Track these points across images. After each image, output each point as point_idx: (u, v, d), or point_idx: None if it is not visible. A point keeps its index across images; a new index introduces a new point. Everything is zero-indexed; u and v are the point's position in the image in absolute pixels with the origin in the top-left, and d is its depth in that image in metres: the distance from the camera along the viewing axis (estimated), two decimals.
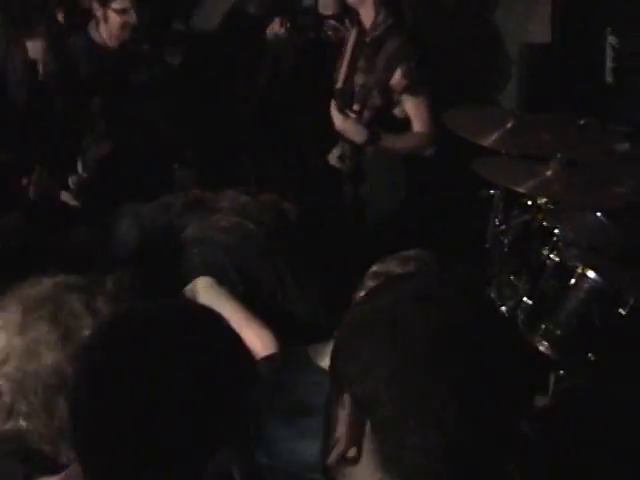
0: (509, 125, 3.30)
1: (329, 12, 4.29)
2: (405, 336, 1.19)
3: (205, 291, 2.54)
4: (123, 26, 3.74)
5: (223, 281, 2.57)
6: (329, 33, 4.31)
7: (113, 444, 1.26)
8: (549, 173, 3.02)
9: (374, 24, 3.73)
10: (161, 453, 1.25)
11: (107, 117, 3.69)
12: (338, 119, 3.65)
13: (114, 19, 3.74)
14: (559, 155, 3.02)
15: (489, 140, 3.23)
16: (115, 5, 3.72)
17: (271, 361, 2.17)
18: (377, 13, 3.70)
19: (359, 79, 3.77)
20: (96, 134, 3.66)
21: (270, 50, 4.12)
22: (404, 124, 3.74)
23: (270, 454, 1.84)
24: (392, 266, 2.06)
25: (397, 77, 3.65)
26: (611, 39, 4.51)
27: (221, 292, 2.54)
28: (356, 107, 3.65)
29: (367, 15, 3.75)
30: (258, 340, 2.42)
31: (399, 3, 3.72)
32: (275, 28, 4.08)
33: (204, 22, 4.56)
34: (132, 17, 3.73)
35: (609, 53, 4.53)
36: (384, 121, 3.70)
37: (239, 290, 2.57)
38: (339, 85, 3.81)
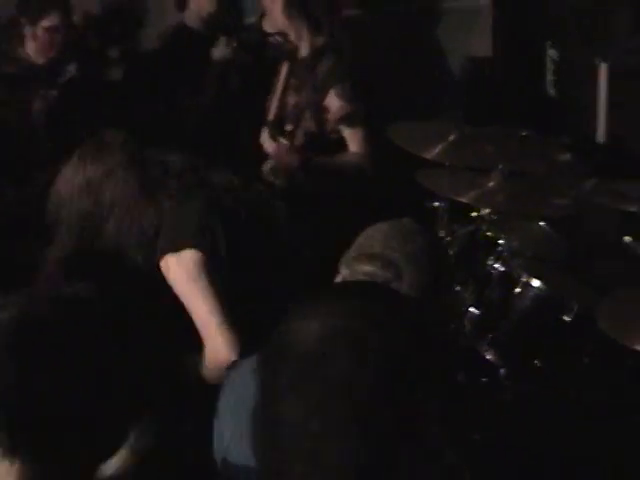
0: (451, 138, 3.34)
1: (274, 29, 4.32)
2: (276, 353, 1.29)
3: (189, 276, 2.44)
4: (51, 44, 3.74)
5: (211, 256, 2.48)
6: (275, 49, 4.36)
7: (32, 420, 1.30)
8: (491, 184, 3.07)
9: (305, 45, 3.75)
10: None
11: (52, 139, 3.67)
12: (270, 146, 3.66)
13: (43, 36, 3.74)
14: (500, 166, 3.07)
15: (432, 153, 3.26)
16: (44, 23, 3.71)
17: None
18: (307, 34, 3.72)
19: (291, 99, 3.78)
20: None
21: (216, 67, 4.12)
22: (339, 145, 3.72)
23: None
24: (360, 265, 2.01)
25: (331, 98, 3.63)
26: (551, 52, 4.59)
27: (205, 282, 2.44)
28: (289, 127, 3.64)
29: (298, 37, 3.76)
30: (224, 343, 2.39)
31: (330, 23, 3.73)
32: (221, 47, 4.09)
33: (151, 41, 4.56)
34: (60, 35, 3.73)
35: (549, 66, 4.61)
36: (317, 143, 3.69)
37: (221, 271, 2.49)
38: (271, 116, 3.81)
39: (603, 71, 4.16)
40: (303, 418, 1.23)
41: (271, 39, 4.26)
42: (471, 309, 2.98)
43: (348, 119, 3.61)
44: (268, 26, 4.30)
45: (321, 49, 3.70)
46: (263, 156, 3.78)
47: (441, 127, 3.50)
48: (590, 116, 4.21)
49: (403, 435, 1.25)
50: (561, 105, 4.57)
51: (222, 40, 4.10)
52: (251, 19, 4.51)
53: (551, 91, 4.62)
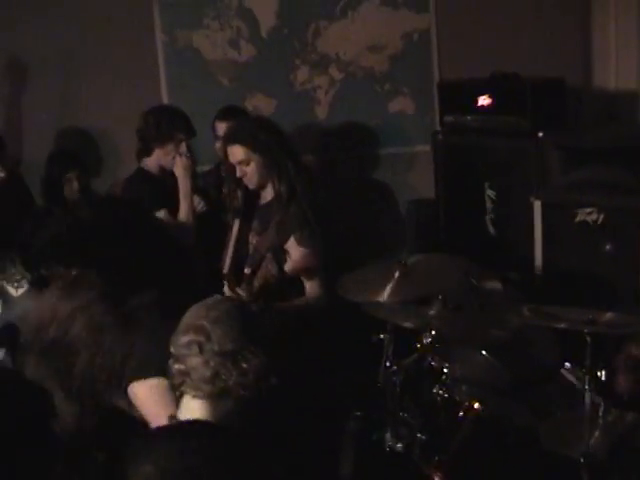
0: (396, 275, 3.46)
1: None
2: None
3: (156, 400, 2.58)
4: None
5: None
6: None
7: None
8: (432, 312, 3.22)
9: (270, 191, 3.87)
10: None
11: None
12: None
13: None
14: (440, 296, 3.23)
15: (384, 295, 3.27)
16: None
17: None
18: (274, 182, 3.83)
19: (253, 239, 3.91)
20: None
21: None
22: (295, 287, 3.84)
23: None
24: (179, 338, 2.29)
25: (291, 243, 3.77)
26: (489, 192, 4.84)
27: (168, 403, 2.53)
28: (247, 270, 3.67)
29: (265, 185, 3.88)
30: None
31: (294, 171, 3.85)
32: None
33: None
34: None
35: (488, 205, 4.85)
36: (275, 285, 3.79)
37: None
38: (226, 269, 3.90)
39: (537, 207, 4.41)
40: None
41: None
42: (419, 435, 3.09)
43: (307, 265, 3.79)
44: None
45: (284, 196, 3.82)
46: None
47: (385, 267, 3.61)
48: (528, 249, 4.42)
49: None
50: (501, 241, 4.79)
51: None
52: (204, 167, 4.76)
53: (491, 228, 4.85)
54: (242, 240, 3.97)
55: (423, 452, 3.06)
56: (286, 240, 3.78)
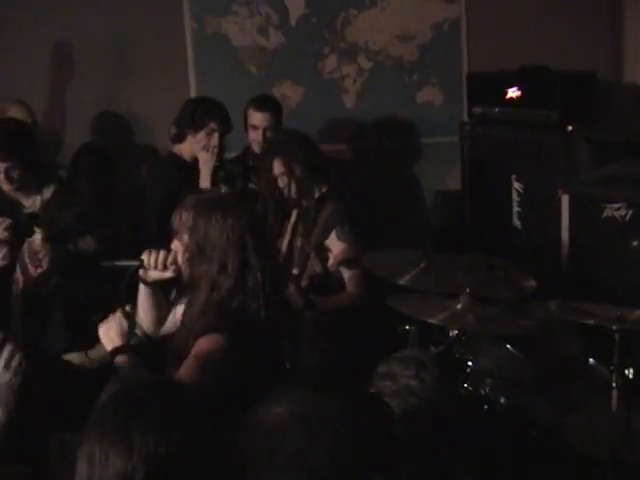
0: (422, 265, 3.48)
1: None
2: None
3: None
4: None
5: None
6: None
7: None
8: (459, 307, 3.20)
9: (311, 196, 4.01)
10: None
11: None
12: None
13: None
14: (468, 290, 3.21)
15: (404, 279, 3.40)
16: None
17: None
18: (314, 185, 4.00)
19: (298, 242, 4.02)
20: None
21: None
22: (339, 283, 3.96)
23: None
24: (395, 367, 2.48)
25: (332, 239, 3.92)
26: (516, 185, 4.82)
27: None
28: (295, 271, 3.88)
29: (307, 190, 4.01)
30: None
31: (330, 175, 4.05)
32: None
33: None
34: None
35: (515, 198, 4.82)
36: (321, 283, 3.95)
37: None
38: (281, 259, 3.98)
39: (565, 202, 4.37)
40: None
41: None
42: None
43: (347, 260, 3.90)
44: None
45: (325, 195, 4.00)
46: None
47: (412, 255, 3.66)
48: (554, 244, 4.39)
49: None
50: (527, 234, 4.76)
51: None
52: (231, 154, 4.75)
53: (518, 221, 4.82)
54: (289, 253, 4.06)
55: None
56: (327, 236, 3.91)
